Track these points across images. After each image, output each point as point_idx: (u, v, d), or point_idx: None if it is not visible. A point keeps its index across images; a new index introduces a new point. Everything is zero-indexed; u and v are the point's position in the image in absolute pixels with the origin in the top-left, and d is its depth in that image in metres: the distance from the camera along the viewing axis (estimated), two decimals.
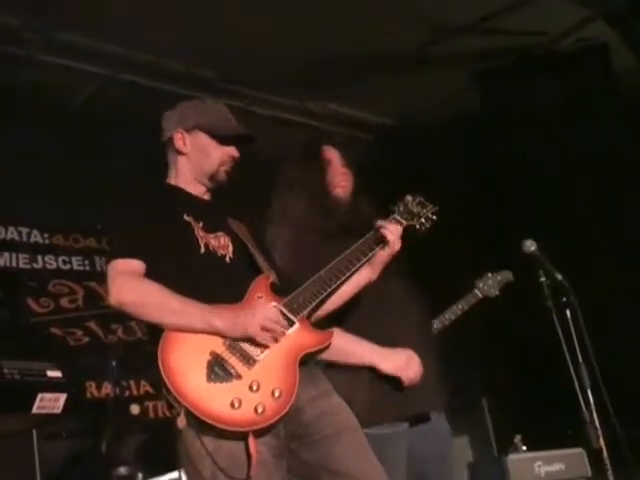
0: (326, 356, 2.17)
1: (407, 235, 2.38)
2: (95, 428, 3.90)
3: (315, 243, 2.42)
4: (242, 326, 1.95)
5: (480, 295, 3.12)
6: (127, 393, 4.45)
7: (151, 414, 4.55)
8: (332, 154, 2.65)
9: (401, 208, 2.42)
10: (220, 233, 2.18)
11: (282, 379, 1.93)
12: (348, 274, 2.24)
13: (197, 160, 2.24)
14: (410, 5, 4.62)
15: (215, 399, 1.85)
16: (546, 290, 2.87)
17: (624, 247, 4.87)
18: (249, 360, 1.94)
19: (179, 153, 2.26)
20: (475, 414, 5.04)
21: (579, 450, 3.86)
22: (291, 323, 2.05)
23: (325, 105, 5.68)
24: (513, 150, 5.29)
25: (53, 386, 2.98)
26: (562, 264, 2.90)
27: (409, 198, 2.45)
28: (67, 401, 2.97)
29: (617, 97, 5.17)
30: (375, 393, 2.35)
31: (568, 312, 2.82)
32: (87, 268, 4.85)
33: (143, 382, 4.56)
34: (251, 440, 1.85)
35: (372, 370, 2.37)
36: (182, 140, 2.24)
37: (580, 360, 2.79)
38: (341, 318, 2.38)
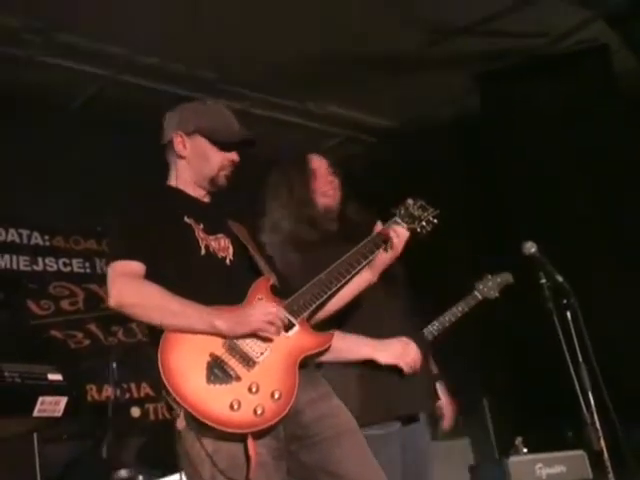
0: (324, 356, 2.17)
1: (408, 238, 2.38)
2: (96, 431, 3.90)
3: (298, 255, 2.41)
4: (245, 321, 1.95)
5: (480, 297, 3.11)
6: (127, 396, 4.44)
7: (152, 416, 4.54)
8: (318, 163, 2.64)
9: (402, 211, 2.41)
10: (220, 235, 2.17)
11: (282, 381, 1.93)
12: (349, 277, 2.24)
13: (197, 164, 2.23)
14: (410, 6, 4.62)
15: (214, 400, 1.85)
16: (546, 292, 2.86)
17: (624, 247, 4.87)
18: (249, 362, 1.93)
19: (179, 156, 2.24)
20: (476, 416, 5.04)
21: (580, 452, 3.86)
22: (291, 325, 2.05)
23: (325, 106, 5.68)
24: (513, 151, 5.29)
25: (54, 389, 2.97)
26: (562, 264, 2.89)
27: (410, 202, 2.44)
28: (68, 404, 2.96)
29: (617, 98, 5.17)
30: (364, 394, 2.35)
31: (569, 314, 2.82)
32: (87, 270, 4.84)
33: (144, 384, 4.55)
34: (250, 442, 1.85)
35: (361, 369, 2.37)
36: (182, 144, 2.23)
37: (580, 361, 2.79)
38: (340, 320, 2.38)
